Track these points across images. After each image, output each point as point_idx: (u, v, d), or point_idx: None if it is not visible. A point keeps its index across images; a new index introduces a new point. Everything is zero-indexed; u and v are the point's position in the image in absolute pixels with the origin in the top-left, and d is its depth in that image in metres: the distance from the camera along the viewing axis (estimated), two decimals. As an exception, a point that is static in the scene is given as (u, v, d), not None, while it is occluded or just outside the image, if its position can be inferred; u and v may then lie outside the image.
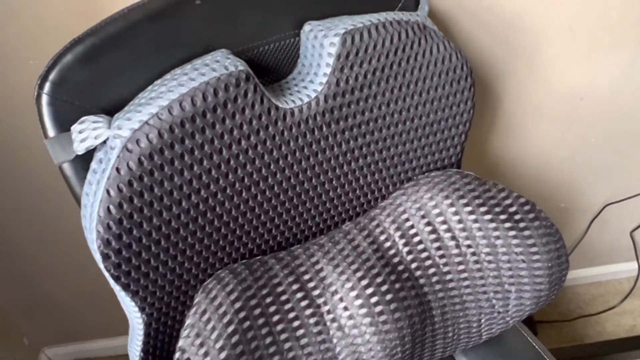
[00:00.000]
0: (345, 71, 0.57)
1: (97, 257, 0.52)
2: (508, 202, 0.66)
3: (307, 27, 0.59)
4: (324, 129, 0.59)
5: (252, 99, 0.53)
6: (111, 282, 0.54)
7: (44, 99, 0.51)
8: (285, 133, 0.57)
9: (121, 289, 0.55)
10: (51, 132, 0.52)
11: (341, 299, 0.60)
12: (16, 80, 0.72)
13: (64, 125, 0.52)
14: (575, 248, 1.21)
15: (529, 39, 0.80)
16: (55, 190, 0.83)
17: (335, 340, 0.60)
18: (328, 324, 0.60)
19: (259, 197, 0.59)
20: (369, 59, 0.58)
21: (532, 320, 1.31)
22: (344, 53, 0.56)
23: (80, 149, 0.50)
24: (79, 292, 1.08)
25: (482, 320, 0.69)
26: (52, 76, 0.51)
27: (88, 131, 0.50)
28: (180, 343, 0.55)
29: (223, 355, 0.54)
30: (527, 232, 0.64)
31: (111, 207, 0.49)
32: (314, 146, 0.60)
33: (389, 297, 0.61)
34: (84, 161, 0.52)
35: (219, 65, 0.52)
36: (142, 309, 0.58)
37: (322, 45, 0.57)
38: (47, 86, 0.50)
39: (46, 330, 1.17)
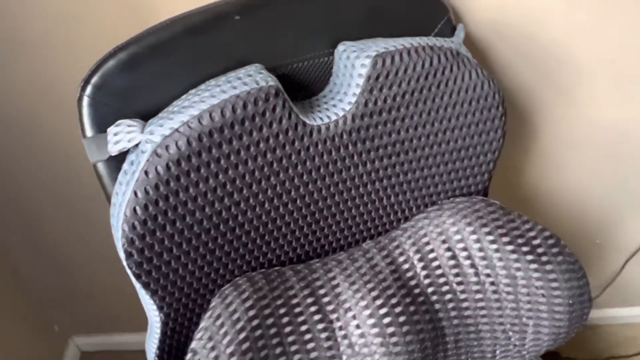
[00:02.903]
0: (375, 93, 0.58)
1: (121, 255, 0.54)
2: (532, 234, 0.65)
3: (341, 47, 0.60)
4: (350, 147, 0.60)
5: (280, 114, 0.54)
6: (133, 279, 0.56)
7: (85, 100, 0.54)
8: (311, 149, 0.58)
9: (142, 287, 0.57)
10: (89, 132, 0.55)
11: (354, 317, 0.61)
12: (61, 82, 0.75)
13: (101, 126, 0.54)
14: (608, 286, 1.17)
15: (569, 70, 0.79)
16: (90, 187, 0.87)
17: (344, 357, 0.60)
18: (339, 340, 0.60)
19: (281, 210, 0.60)
20: (399, 82, 0.59)
21: (559, 357, 1.27)
22: (374, 75, 0.57)
23: (114, 150, 0.52)
24: (110, 286, 1.11)
25: (497, 352, 0.68)
26: (94, 80, 0.53)
27: (122, 134, 0.52)
28: (193, 345, 0.57)
29: (233, 360, 0.55)
30: (549, 267, 0.63)
31: (137, 208, 0.52)
32: (339, 163, 0.61)
33: (402, 318, 0.61)
34: (117, 162, 0.55)
35: (250, 79, 0.54)
36: (160, 308, 0.60)
37: (353, 66, 0.58)
38: (88, 89, 0.53)
39: (76, 320, 1.21)
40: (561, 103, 0.83)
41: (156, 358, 0.65)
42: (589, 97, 0.83)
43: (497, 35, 0.74)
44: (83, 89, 0.54)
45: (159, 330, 0.62)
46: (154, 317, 0.61)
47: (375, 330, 0.60)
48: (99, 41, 0.62)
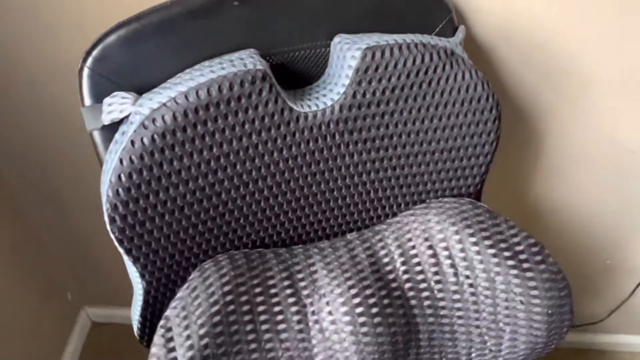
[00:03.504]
0: (363, 85, 0.59)
1: (105, 219, 0.57)
2: (516, 240, 0.65)
3: (337, 39, 0.62)
4: (337, 137, 0.62)
5: (267, 97, 0.56)
6: (117, 245, 0.59)
7: (85, 71, 0.57)
8: (297, 135, 0.60)
9: (124, 253, 0.60)
10: (87, 101, 0.58)
11: (327, 303, 0.62)
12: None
13: (99, 97, 0.58)
14: (616, 310, 1.13)
15: (578, 81, 0.78)
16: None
17: (314, 342, 0.61)
18: (310, 324, 0.62)
19: (265, 192, 0.62)
20: (389, 77, 0.59)
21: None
22: (362, 67, 0.58)
23: (106, 119, 0.56)
24: (122, 260, 1.16)
25: (472, 355, 0.68)
26: (95, 52, 0.57)
27: (116, 105, 0.55)
28: (167, 312, 0.59)
29: (202, 331, 0.57)
30: (529, 274, 0.63)
31: (122, 175, 0.55)
32: (324, 152, 0.62)
33: (374, 310, 0.62)
34: (112, 132, 0.58)
35: (240, 62, 0.56)
36: (142, 276, 0.62)
37: (344, 57, 0.59)
38: (89, 61, 0.57)
39: (89, 290, 1.27)
40: (570, 114, 0.82)
41: (138, 325, 0.68)
42: (599, 109, 0.81)
43: (503, 40, 0.74)
44: (84, 60, 0.57)
45: (141, 298, 0.65)
46: (137, 284, 0.64)
47: (347, 318, 0.61)
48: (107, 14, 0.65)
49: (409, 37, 0.60)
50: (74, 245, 1.15)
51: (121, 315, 1.32)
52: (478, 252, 0.64)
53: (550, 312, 0.63)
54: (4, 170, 0.99)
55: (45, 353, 1.17)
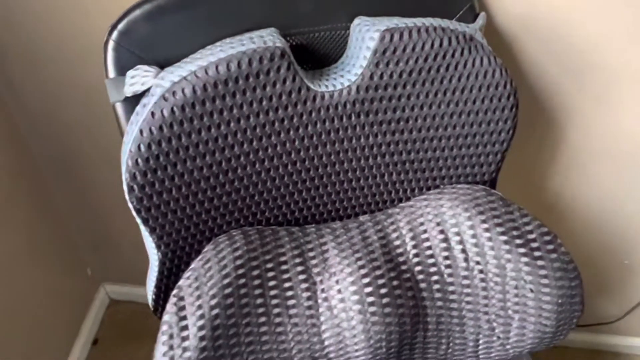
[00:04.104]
0: (381, 67, 0.60)
1: (125, 189, 0.59)
2: (528, 228, 0.64)
3: (356, 20, 0.62)
4: (353, 118, 0.62)
5: (285, 75, 0.57)
6: (134, 214, 0.61)
7: (110, 44, 0.59)
8: (313, 114, 0.61)
9: (141, 223, 0.61)
10: (112, 74, 0.60)
11: (337, 282, 0.63)
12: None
13: (123, 70, 0.59)
14: (632, 311, 1.12)
15: (602, 76, 0.77)
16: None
17: (322, 318, 0.62)
18: (319, 301, 0.63)
19: (280, 170, 0.63)
20: (406, 59, 0.60)
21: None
22: (380, 49, 0.59)
23: (128, 91, 0.57)
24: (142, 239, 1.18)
25: (480, 342, 0.68)
26: (120, 26, 0.58)
27: (138, 77, 0.57)
28: (180, 282, 0.61)
29: (213, 302, 0.59)
30: (540, 262, 0.63)
31: (141, 145, 0.56)
32: (340, 133, 0.63)
33: (383, 290, 0.62)
34: (134, 105, 0.60)
35: (260, 39, 0.57)
36: (158, 247, 0.64)
37: (363, 39, 0.60)
38: (114, 34, 0.58)
39: (109, 267, 1.30)
40: (591, 108, 0.81)
41: (153, 295, 0.69)
42: (623, 105, 0.80)
43: (525, 30, 0.74)
44: (110, 33, 0.59)
45: (156, 269, 0.67)
46: (153, 255, 0.66)
47: (355, 297, 0.62)
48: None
49: (428, 21, 0.61)
50: (95, 223, 1.18)
51: (138, 294, 1.35)
52: (490, 239, 0.64)
53: (560, 301, 0.63)
54: (30, 146, 1.02)
55: (63, 328, 1.21)
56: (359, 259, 0.64)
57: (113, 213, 1.15)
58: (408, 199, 0.71)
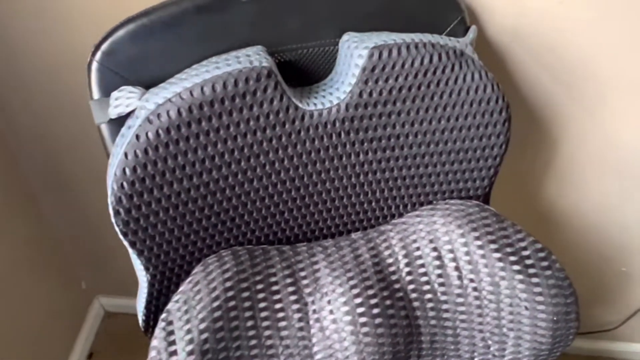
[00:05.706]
0: (370, 84, 0.59)
1: (110, 212, 0.58)
2: (522, 244, 0.64)
3: (345, 36, 0.61)
4: (343, 136, 0.61)
5: (272, 95, 0.56)
6: (121, 237, 0.60)
7: (94, 65, 0.58)
8: (302, 133, 0.60)
9: (129, 246, 0.60)
10: (96, 95, 0.59)
11: (329, 302, 0.62)
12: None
13: (107, 91, 0.58)
14: (631, 317, 1.11)
15: (594, 87, 0.76)
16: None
17: (314, 340, 0.61)
18: (311, 322, 0.62)
19: (270, 189, 0.62)
20: (396, 76, 0.59)
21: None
22: (369, 66, 0.58)
23: (113, 113, 0.56)
24: (134, 252, 1.17)
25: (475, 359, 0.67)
26: (103, 47, 0.57)
27: (122, 99, 0.56)
28: (169, 306, 0.60)
29: (202, 326, 0.58)
30: (535, 280, 0.62)
31: (126, 168, 0.55)
32: (330, 151, 0.62)
33: (375, 310, 0.61)
34: (120, 126, 0.59)
35: (246, 59, 0.56)
36: (146, 269, 0.63)
37: (352, 56, 0.59)
38: (98, 55, 0.57)
39: (103, 280, 1.28)
40: (584, 119, 0.80)
41: (143, 316, 0.69)
42: (615, 115, 0.79)
43: (516, 42, 0.73)
44: (93, 54, 0.58)
45: (145, 291, 0.66)
46: (141, 277, 0.65)
47: (348, 318, 0.61)
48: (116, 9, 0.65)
49: (417, 37, 0.60)
50: (89, 235, 1.17)
51: (134, 306, 1.34)
52: (483, 256, 0.63)
53: (555, 318, 0.62)
54: (21, 162, 1.01)
55: (58, 341, 1.20)
56: (350, 278, 0.63)
57: (106, 225, 1.14)
58: (401, 215, 0.70)
